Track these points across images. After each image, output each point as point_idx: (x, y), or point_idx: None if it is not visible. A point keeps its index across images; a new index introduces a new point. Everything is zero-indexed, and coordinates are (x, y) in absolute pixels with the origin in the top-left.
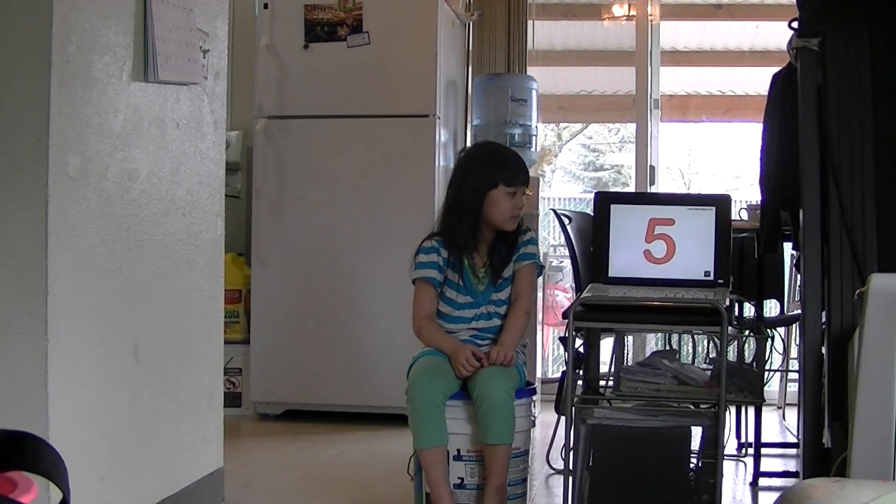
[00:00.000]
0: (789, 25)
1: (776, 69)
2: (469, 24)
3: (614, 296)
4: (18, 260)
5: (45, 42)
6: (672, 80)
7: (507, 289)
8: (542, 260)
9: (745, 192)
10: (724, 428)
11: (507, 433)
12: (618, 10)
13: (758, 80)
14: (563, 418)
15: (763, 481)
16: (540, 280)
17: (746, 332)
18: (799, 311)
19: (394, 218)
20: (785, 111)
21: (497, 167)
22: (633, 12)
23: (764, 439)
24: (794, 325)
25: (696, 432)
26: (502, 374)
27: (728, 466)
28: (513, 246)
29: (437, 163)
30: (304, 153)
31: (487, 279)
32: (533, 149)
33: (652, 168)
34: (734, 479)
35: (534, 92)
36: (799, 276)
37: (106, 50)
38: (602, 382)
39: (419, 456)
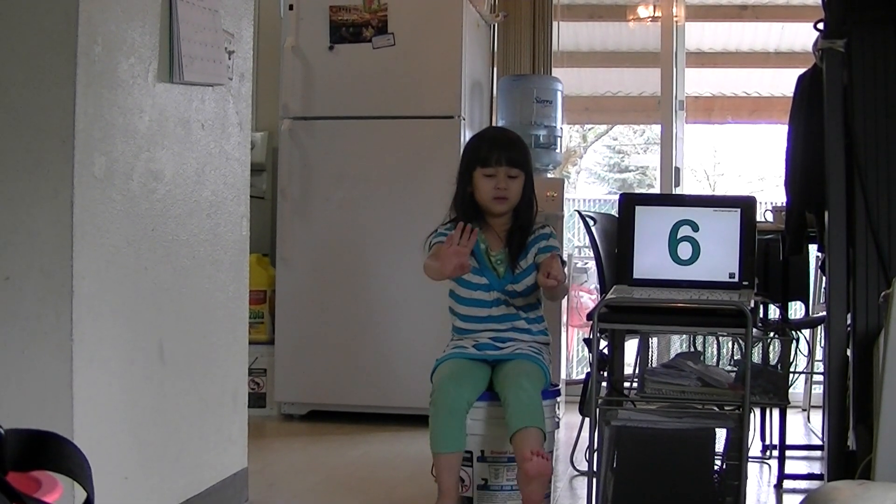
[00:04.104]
0: (815, 27)
1: (802, 70)
2: (494, 26)
3: (639, 297)
4: (45, 260)
5: (70, 43)
6: (697, 82)
7: (523, 281)
8: (564, 258)
9: (771, 194)
10: (748, 430)
11: (537, 419)
12: (643, 11)
13: (783, 82)
14: (587, 420)
15: (787, 484)
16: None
17: (771, 334)
18: (824, 313)
19: (418, 219)
20: (810, 113)
21: (473, 150)
22: (658, 13)
23: (788, 441)
24: (819, 327)
25: (721, 434)
26: (529, 374)
27: (752, 469)
28: (526, 233)
29: None
30: (329, 154)
31: (504, 266)
32: (558, 150)
33: (677, 169)
34: (758, 482)
35: (559, 93)
36: (824, 277)
37: (131, 51)
38: (626, 384)
39: (434, 458)
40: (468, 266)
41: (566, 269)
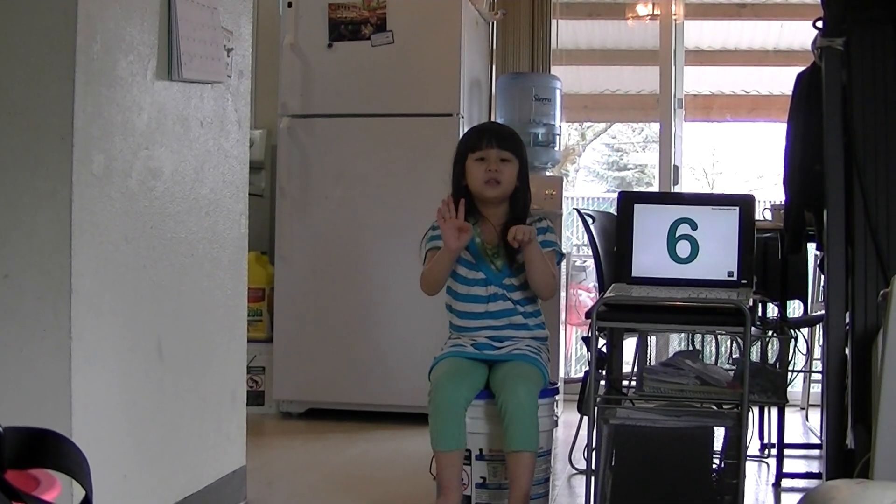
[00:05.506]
0: (814, 25)
1: (800, 69)
2: (493, 23)
3: (637, 295)
4: (43, 257)
5: (69, 41)
6: (696, 80)
7: (522, 275)
8: (562, 251)
9: (769, 192)
10: (746, 428)
11: (531, 441)
12: (642, 9)
13: (782, 80)
14: (585, 418)
15: (786, 482)
16: (563, 279)
17: (770, 333)
18: (822, 312)
19: (417, 217)
20: (809, 111)
21: (464, 141)
22: (657, 11)
23: (787, 440)
24: (817, 326)
25: (719, 433)
26: (526, 378)
27: (751, 467)
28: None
29: None
30: (328, 152)
31: (501, 261)
32: (556, 148)
33: (676, 168)
34: (757, 480)
35: (558, 91)
36: (823, 276)
37: (130, 49)
38: (625, 382)
39: (435, 456)
40: (469, 228)
41: (564, 267)
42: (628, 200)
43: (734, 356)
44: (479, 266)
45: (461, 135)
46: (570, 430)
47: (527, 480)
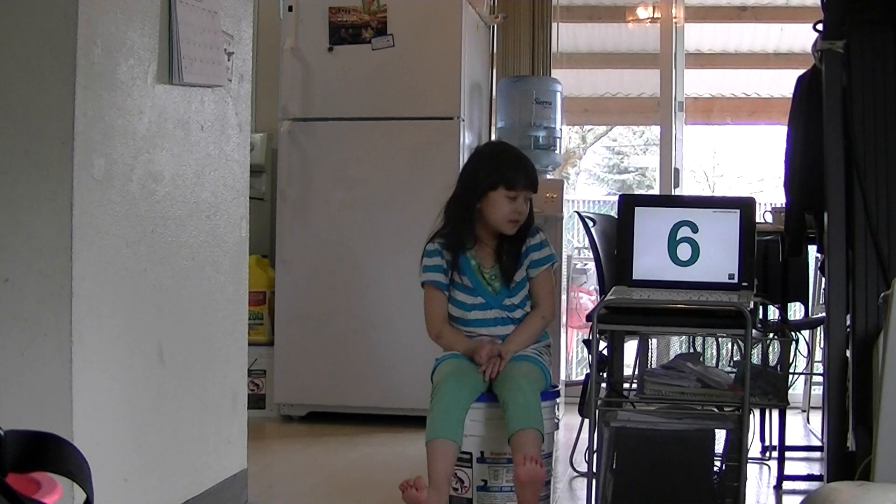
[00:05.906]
0: (814, 28)
1: (801, 71)
2: (493, 27)
3: (638, 298)
4: (44, 261)
5: (70, 45)
6: (697, 83)
7: (520, 293)
8: (557, 256)
9: (770, 195)
10: (748, 431)
11: (535, 419)
12: (642, 12)
13: (782, 83)
14: (586, 421)
15: (787, 485)
16: (564, 281)
17: (771, 335)
18: (823, 314)
19: (418, 220)
20: (810, 114)
21: (500, 167)
22: (657, 14)
23: (788, 442)
24: (818, 328)
25: (720, 435)
26: (528, 376)
27: (752, 470)
28: (520, 245)
29: (461, 165)
30: (329, 155)
31: (498, 282)
32: (557, 151)
33: (676, 170)
34: (758, 483)
35: (558, 94)
36: (823, 278)
37: (131, 52)
38: (626, 385)
39: (427, 448)
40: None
41: (564, 269)
42: (629, 203)
43: (735, 359)
44: (478, 290)
45: (461, 138)
46: (571, 432)
47: (535, 450)
